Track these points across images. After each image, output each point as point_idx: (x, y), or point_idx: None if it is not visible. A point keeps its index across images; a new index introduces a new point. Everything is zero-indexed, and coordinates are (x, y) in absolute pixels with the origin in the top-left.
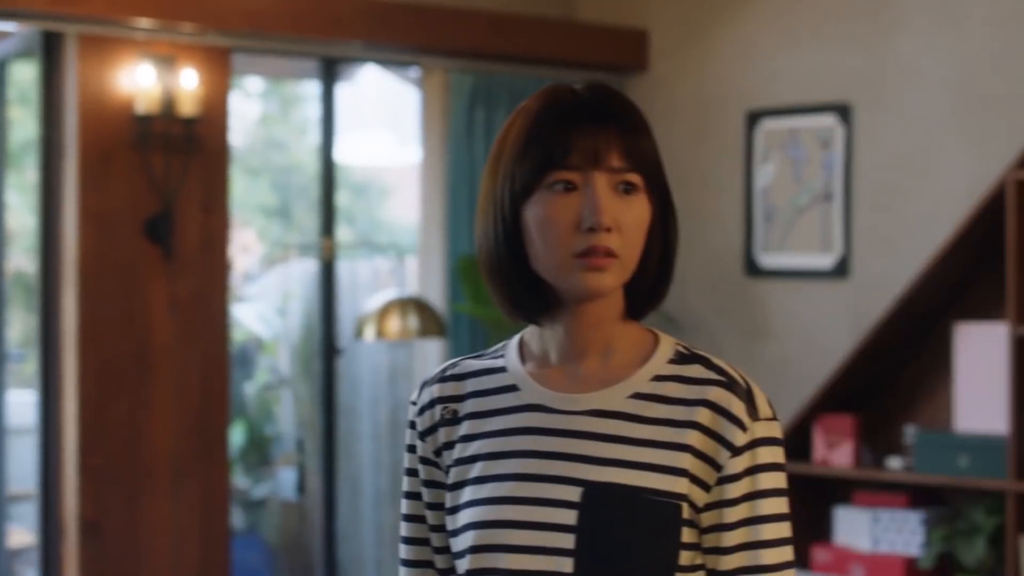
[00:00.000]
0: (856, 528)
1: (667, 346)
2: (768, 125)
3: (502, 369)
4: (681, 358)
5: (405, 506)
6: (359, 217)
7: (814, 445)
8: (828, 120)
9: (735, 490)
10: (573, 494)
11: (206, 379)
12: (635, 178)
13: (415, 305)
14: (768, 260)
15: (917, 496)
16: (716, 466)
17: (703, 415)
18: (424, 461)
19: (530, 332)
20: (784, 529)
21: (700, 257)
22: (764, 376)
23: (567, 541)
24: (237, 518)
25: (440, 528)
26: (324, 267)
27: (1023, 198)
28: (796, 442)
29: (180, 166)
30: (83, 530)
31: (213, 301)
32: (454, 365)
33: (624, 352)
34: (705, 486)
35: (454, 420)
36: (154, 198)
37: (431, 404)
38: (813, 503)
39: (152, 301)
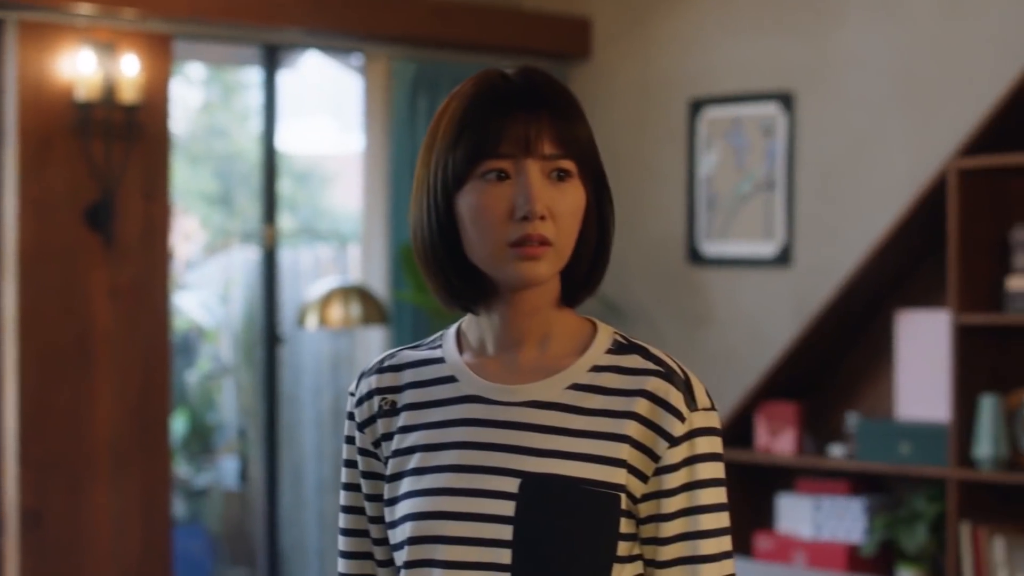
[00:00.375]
0: (798, 515)
1: (605, 336)
2: (711, 113)
3: (440, 360)
4: (619, 348)
5: (344, 497)
6: (301, 205)
7: (756, 433)
8: (771, 109)
9: (673, 480)
10: (511, 485)
11: (147, 368)
12: (568, 165)
13: (357, 293)
14: (711, 248)
15: (859, 483)
16: (654, 456)
17: (641, 405)
18: (363, 452)
19: (468, 321)
20: (722, 519)
21: (643, 245)
22: (706, 364)
23: (505, 532)
24: (179, 507)
25: (379, 519)
26: (266, 255)
27: (964, 186)
28: (738, 430)
29: (121, 153)
30: (24, 519)
31: (154, 289)
32: (392, 355)
33: (561, 341)
34: (643, 476)
35: (392, 411)
36: (95, 185)
37: (369, 395)
38: (755, 491)
39: (93, 289)
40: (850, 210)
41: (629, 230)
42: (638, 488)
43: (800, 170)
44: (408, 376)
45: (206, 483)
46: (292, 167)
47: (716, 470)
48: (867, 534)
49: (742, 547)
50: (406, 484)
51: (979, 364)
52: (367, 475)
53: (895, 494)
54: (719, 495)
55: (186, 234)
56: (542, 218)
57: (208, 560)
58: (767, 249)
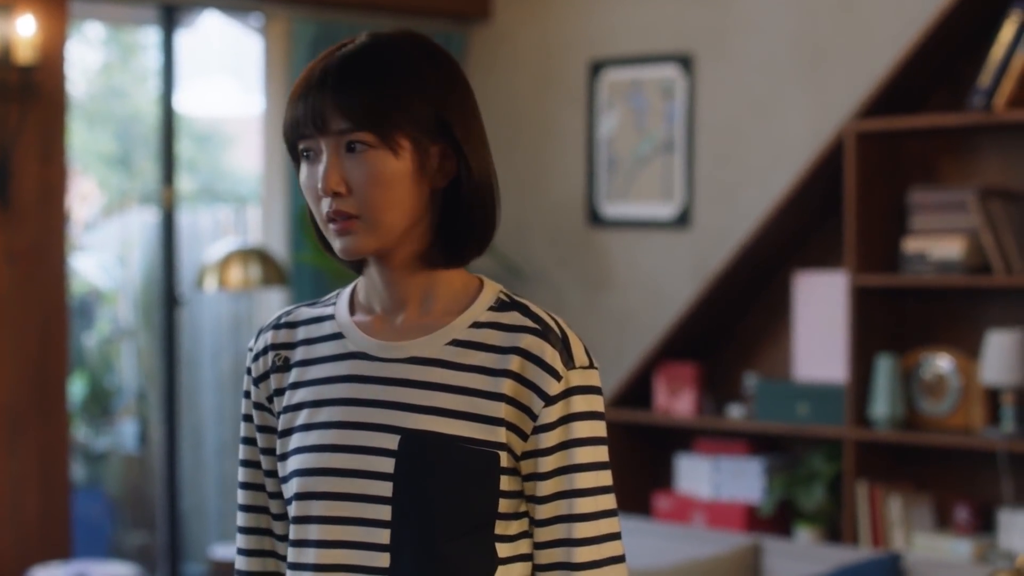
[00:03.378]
0: (697, 475)
1: (490, 293)
2: (611, 75)
3: (331, 317)
4: (501, 305)
5: (241, 451)
6: (201, 166)
7: (655, 393)
8: (670, 71)
9: (549, 439)
10: (391, 442)
11: (45, 331)
12: (362, 136)
13: (257, 255)
14: (610, 210)
15: (757, 444)
16: (531, 415)
17: (515, 363)
18: (258, 407)
19: (360, 281)
20: (601, 478)
21: (543, 207)
22: (606, 325)
23: (385, 489)
24: (78, 471)
25: (274, 474)
26: (165, 217)
27: (861, 149)
28: (637, 390)
29: (17, 115)
30: None
31: (51, 252)
32: (289, 312)
33: (445, 300)
34: (523, 434)
35: (285, 367)
36: None
37: (264, 351)
38: (654, 451)
39: None
40: (749, 172)
41: (530, 192)
42: (519, 446)
43: (699, 132)
44: (301, 333)
45: (105, 447)
46: (192, 128)
47: (594, 428)
48: (765, 494)
49: (641, 507)
50: (294, 440)
51: (876, 325)
52: (261, 429)
53: (793, 454)
54: (597, 453)
55: (84, 196)
56: (337, 194)
57: (107, 524)
58: (666, 211)
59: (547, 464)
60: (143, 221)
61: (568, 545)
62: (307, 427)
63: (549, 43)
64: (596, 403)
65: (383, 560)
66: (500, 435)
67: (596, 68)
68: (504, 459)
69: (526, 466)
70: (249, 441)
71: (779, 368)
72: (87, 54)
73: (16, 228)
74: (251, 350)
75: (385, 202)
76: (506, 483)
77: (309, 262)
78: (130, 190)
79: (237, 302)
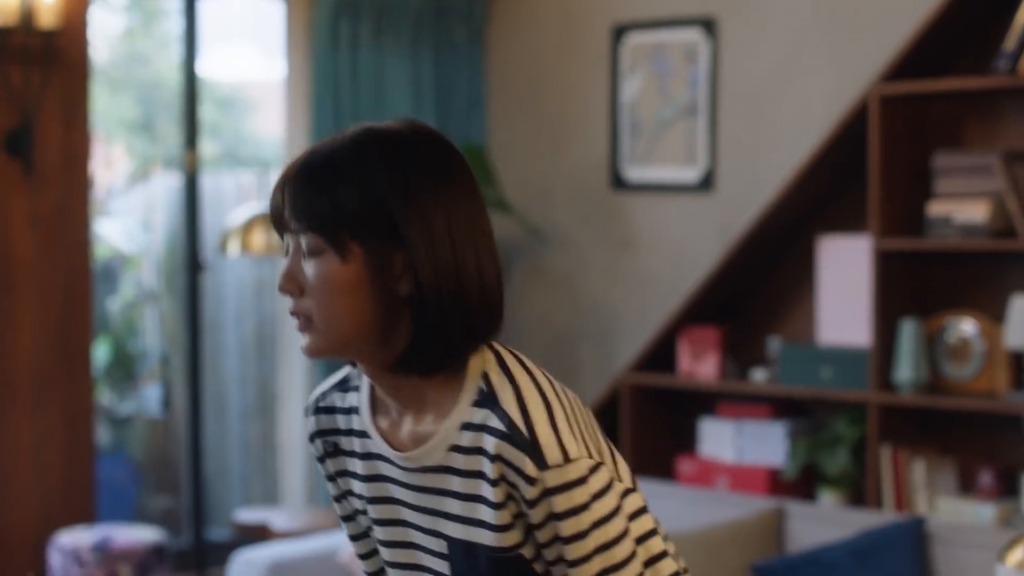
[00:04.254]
0: (721, 439)
1: (472, 384)
2: (633, 39)
3: (356, 411)
4: (480, 399)
5: (337, 508)
6: (224, 131)
7: (679, 357)
8: (693, 34)
9: (542, 535)
10: (440, 546)
11: (69, 295)
12: (312, 239)
13: None
14: (634, 174)
15: (781, 407)
16: (524, 513)
17: (495, 470)
18: (329, 479)
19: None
20: (595, 564)
21: (566, 171)
22: (630, 289)
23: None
24: (103, 435)
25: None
26: (188, 181)
27: (886, 112)
28: (661, 354)
29: (40, 80)
30: None
31: (75, 217)
32: (323, 397)
33: (436, 403)
34: (530, 516)
35: (336, 451)
36: (13, 112)
37: (312, 438)
38: (677, 415)
39: (13, 217)
40: (772, 136)
41: (553, 156)
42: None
43: (723, 96)
44: (340, 422)
45: (129, 411)
46: (214, 93)
47: (579, 523)
48: (789, 458)
49: (664, 471)
50: (351, 528)
51: (900, 289)
52: (340, 497)
53: (816, 418)
54: (594, 540)
55: (108, 161)
56: (289, 294)
57: (132, 488)
58: (690, 175)
59: (549, 554)
60: (166, 186)
61: None
62: (377, 522)
63: (571, 7)
64: (578, 496)
65: None
66: (513, 538)
67: (619, 32)
68: (528, 551)
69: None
70: (339, 498)
71: (803, 332)
72: (109, 20)
73: (40, 193)
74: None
75: (333, 307)
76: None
77: None
78: (153, 155)
79: (260, 266)
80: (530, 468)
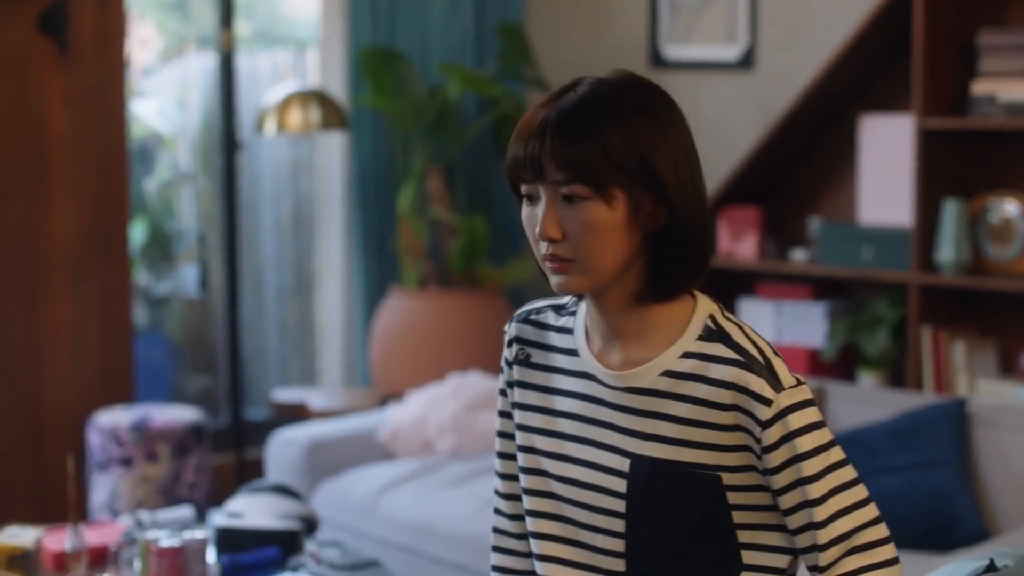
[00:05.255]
0: (760, 320)
1: (699, 320)
2: None
3: (570, 331)
4: (708, 334)
5: (498, 423)
6: (258, 9)
7: (718, 237)
8: None
9: (775, 458)
10: (622, 464)
11: (105, 176)
12: (576, 189)
13: (316, 97)
14: (673, 52)
15: (821, 288)
16: (755, 439)
17: (728, 396)
18: (505, 387)
19: (582, 308)
20: (832, 480)
21: (605, 48)
22: None
23: (618, 505)
24: (140, 316)
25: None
26: (223, 60)
27: None
28: None
29: None
30: None
31: (111, 96)
32: (539, 311)
33: (657, 333)
34: (756, 454)
35: (526, 362)
36: None
37: (509, 343)
38: (717, 295)
39: (48, 97)
40: (814, 13)
41: (592, 34)
42: (755, 462)
43: None
44: (547, 338)
45: (166, 291)
46: None
47: (814, 440)
48: (828, 338)
49: None
50: (528, 438)
51: (942, 169)
52: (504, 412)
53: (856, 298)
54: (824, 460)
55: (143, 40)
56: (553, 240)
57: (169, 368)
58: (730, 53)
59: (779, 481)
60: (201, 65)
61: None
62: (544, 432)
63: None
64: (810, 415)
65: (619, 565)
66: (716, 458)
67: None
68: (725, 478)
69: (769, 481)
70: (503, 414)
71: (843, 212)
72: None
73: (75, 73)
74: (505, 332)
75: (598, 249)
76: (741, 498)
77: (368, 104)
78: (188, 34)
79: (297, 145)
80: (768, 391)
